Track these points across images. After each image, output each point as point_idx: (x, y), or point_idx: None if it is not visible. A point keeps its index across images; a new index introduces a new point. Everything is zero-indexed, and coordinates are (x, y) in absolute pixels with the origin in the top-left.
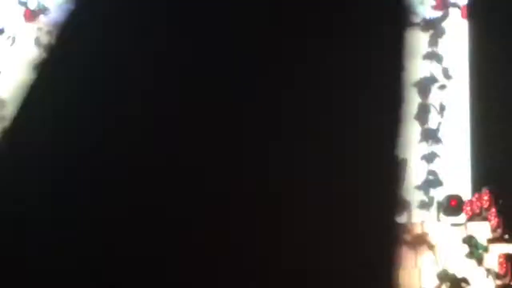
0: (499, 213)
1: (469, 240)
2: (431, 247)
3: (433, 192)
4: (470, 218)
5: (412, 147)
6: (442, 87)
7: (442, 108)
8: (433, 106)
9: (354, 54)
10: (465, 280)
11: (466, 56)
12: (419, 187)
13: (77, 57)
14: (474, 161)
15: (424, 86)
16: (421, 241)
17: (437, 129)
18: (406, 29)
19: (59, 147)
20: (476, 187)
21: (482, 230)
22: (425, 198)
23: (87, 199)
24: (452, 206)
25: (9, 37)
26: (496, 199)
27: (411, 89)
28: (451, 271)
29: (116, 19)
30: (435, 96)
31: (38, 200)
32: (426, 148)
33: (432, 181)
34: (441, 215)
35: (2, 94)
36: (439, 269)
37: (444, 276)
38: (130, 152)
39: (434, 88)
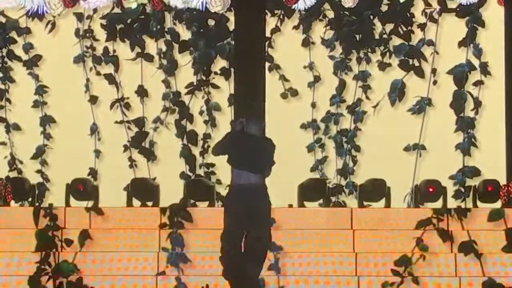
0: None
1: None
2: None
3: (469, 180)
4: (506, 204)
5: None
6: (478, 82)
7: (478, 97)
8: (469, 93)
9: None
10: None
11: (502, 42)
12: (455, 176)
13: None
14: (509, 147)
15: (460, 73)
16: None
17: (474, 117)
18: None
19: None
20: None
21: None
22: (461, 187)
23: None
24: (489, 191)
25: (49, 22)
26: None
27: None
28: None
29: None
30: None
31: None
32: (461, 137)
33: (468, 170)
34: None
35: None
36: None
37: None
38: None
39: (471, 76)
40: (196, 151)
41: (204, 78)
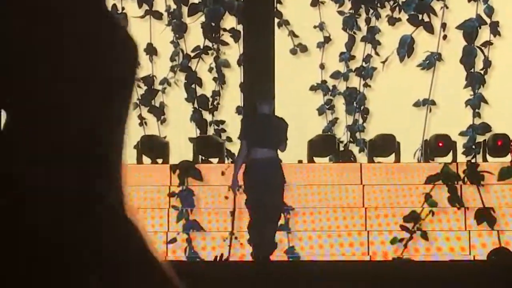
0: None
1: None
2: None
3: (479, 136)
4: None
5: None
6: (487, 42)
7: (487, 56)
8: (480, 49)
9: None
10: None
11: None
12: (465, 133)
13: None
14: None
15: (470, 28)
16: None
17: (484, 73)
18: None
19: None
20: None
21: None
22: (471, 143)
23: None
24: (499, 145)
25: None
26: None
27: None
28: None
29: None
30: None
31: None
32: (471, 93)
33: (478, 126)
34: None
35: None
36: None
37: None
38: None
39: (481, 31)
40: (207, 115)
41: (213, 35)
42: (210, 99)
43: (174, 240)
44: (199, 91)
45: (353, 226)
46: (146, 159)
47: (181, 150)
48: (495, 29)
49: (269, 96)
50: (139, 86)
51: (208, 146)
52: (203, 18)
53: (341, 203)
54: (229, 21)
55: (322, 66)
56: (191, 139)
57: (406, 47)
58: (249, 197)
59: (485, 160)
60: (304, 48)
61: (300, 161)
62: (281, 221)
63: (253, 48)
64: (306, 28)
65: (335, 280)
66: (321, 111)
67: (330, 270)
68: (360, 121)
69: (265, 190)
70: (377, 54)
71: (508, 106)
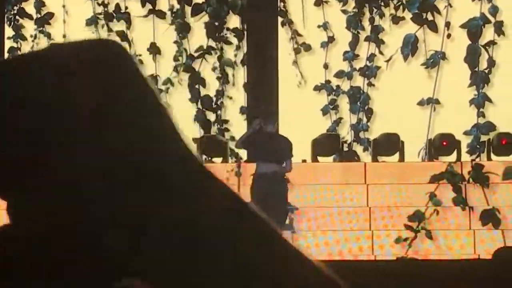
0: None
1: None
2: None
3: (483, 136)
4: None
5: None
6: (491, 42)
7: (491, 56)
8: (484, 48)
9: None
10: None
11: None
12: (469, 132)
13: None
14: None
15: (474, 27)
16: None
17: (488, 72)
18: None
19: None
20: None
21: None
22: (475, 141)
23: None
24: (503, 144)
25: None
26: None
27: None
28: None
29: None
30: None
31: None
32: (475, 92)
33: (483, 125)
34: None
35: None
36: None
37: None
38: None
39: (485, 30)
40: (210, 116)
41: (216, 34)
42: (214, 99)
43: None
44: (203, 91)
45: (357, 226)
46: None
47: None
48: (499, 28)
49: (273, 114)
50: None
51: (212, 146)
52: (206, 18)
53: (345, 202)
54: (233, 21)
55: (326, 66)
56: (194, 139)
57: (410, 46)
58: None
59: (489, 159)
60: (308, 48)
61: (304, 161)
62: (286, 221)
63: (257, 47)
64: (310, 28)
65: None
66: (325, 111)
67: (335, 270)
68: (364, 120)
69: (270, 201)
70: (381, 53)
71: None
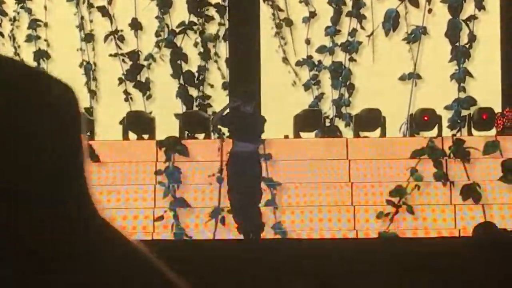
0: None
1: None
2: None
3: (464, 110)
4: (501, 132)
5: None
6: (472, 16)
7: (472, 31)
8: (465, 23)
9: None
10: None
11: None
12: (450, 106)
13: None
14: (505, 76)
15: (455, 2)
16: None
17: (469, 47)
18: None
19: None
20: (507, 101)
21: None
22: (456, 116)
23: None
24: (484, 119)
25: None
26: None
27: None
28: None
29: None
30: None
31: None
32: (456, 67)
33: (463, 100)
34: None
35: None
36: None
37: None
38: None
39: (466, 5)
40: (193, 91)
41: (198, 10)
42: (196, 73)
43: (161, 218)
44: (185, 67)
45: (339, 201)
46: (132, 135)
47: (167, 126)
48: (480, 3)
49: (253, 95)
50: (124, 61)
51: (194, 121)
52: None
53: (327, 178)
54: None
55: (307, 41)
56: (177, 115)
57: (391, 21)
58: (230, 185)
59: (470, 134)
60: (289, 23)
61: (286, 136)
62: (268, 197)
63: (239, 23)
64: (292, 3)
65: (323, 257)
66: (307, 86)
67: (318, 248)
68: (346, 95)
69: (245, 179)
70: (362, 28)
71: (493, 80)
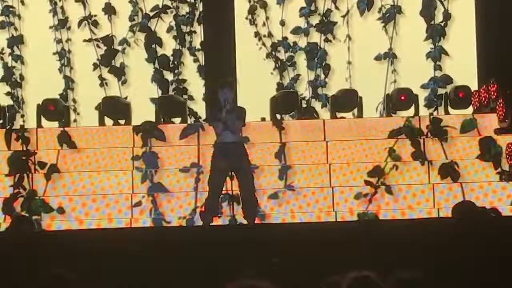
0: (507, 103)
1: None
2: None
3: (440, 88)
4: (477, 110)
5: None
6: None
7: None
8: (439, 1)
9: None
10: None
11: None
12: (426, 85)
13: None
14: (481, 54)
15: None
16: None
17: (444, 25)
18: None
19: None
20: (483, 79)
21: (490, 121)
22: (433, 95)
23: None
24: (460, 97)
25: None
26: (503, 90)
27: None
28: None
29: None
30: None
31: None
32: (432, 45)
33: (440, 78)
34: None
35: None
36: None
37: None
38: None
39: None
40: (168, 75)
41: None
42: (171, 57)
43: (139, 204)
44: (160, 51)
45: (317, 183)
46: (108, 121)
47: (143, 111)
48: None
49: (230, 81)
50: (98, 46)
51: (170, 106)
52: None
53: (305, 160)
54: None
55: (282, 23)
56: (152, 100)
57: (365, 1)
58: (213, 177)
59: (447, 112)
60: (264, 4)
61: (263, 119)
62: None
63: (213, 5)
64: None
65: (301, 242)
66: (282, 68)
67: (298, 231)
68: (322, 76)
69: (233, 169)
70: (337, 8)
71: (469, 58)
